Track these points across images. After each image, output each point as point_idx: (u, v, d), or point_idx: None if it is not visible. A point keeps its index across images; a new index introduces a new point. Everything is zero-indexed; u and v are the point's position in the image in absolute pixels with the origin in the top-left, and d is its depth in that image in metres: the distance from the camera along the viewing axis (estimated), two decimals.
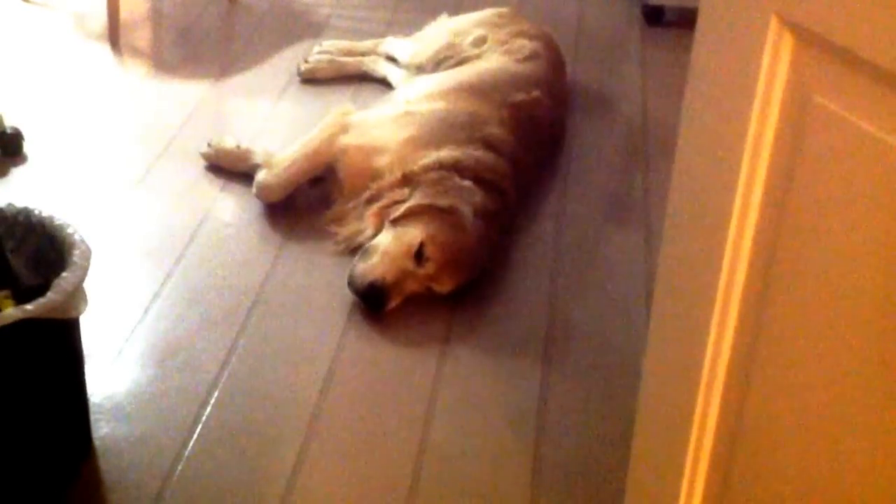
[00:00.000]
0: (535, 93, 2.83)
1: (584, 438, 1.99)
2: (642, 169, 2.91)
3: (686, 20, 3.63)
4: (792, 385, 1.09)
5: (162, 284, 2.34)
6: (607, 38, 3.69)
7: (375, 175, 2.52)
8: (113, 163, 2.82)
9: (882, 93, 0.92)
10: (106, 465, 1.86)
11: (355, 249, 2.41)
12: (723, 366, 1.19)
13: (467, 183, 2.44)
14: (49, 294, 1.64)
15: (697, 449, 1.26)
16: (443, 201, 2.35)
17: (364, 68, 3.30)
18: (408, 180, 2.46)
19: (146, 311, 2.25)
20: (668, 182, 1.26)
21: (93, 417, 1.92)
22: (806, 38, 1.00)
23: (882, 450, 0.99)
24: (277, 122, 3.04)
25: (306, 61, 3.29)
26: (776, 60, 1.03)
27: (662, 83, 3.35)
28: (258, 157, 2.67)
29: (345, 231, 2.48)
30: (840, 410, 1.03)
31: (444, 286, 2.32)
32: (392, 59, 3.29)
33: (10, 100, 2.97)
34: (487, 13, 3.23)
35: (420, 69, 3.12)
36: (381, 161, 2.54)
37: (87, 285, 1.73)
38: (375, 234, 2.39)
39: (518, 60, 2.95)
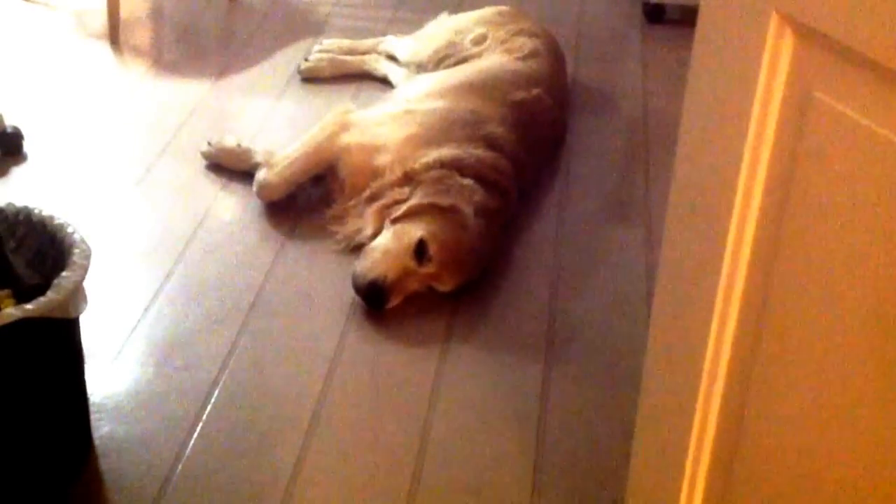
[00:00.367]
0: (536, 91, 2.83)
1: (586, 438, 1.98)
2: (643, 167, 2.90)
3: (687, 18, 3.64)
4: (793, 384, 1.09)
5: (162, 284, 2.33)
6: (608, 36, 3.69)
7: (376, 174, 2.52)
8: (113, 162, 2.82)
9: (882, 89, 0.92)
10: (106, 464, 1.86)
11: (356, 248, 2.41)
12: (724, 365, 1.19)
13: (468, 181, 2.43)
14: (49, 293, 1.64)
15: (698, 448, 1.25)
16: (444, 200, 2.35)
17: (365, 67, 3.30)
18: (409, 179, 2.46)
19: (146, 311, 2.25)
20: (668, 180, 1.26)
21: (93, 417, 1.92)
22: (806, 34, 1.00)
23: (883, 449, 0.99)
24: (278, 120, 3.04)
25: (307, 60, 3.29)
26: (777, 57, 1.03)
27: (663, 81, 3.34)
28: (259, 156, 2.67)
29: (345, 230, 2.48)
30: (841, 409, 1.03)
31: (445, 285, 2.32)
32: (393, 58, 3.28)
33: (10, 99, 2.97)
34: (488, 11, 3.23)
35: (421, 68, 3.12)
36: (382, 160, 2.54)
37: (88, 284, 1.72)
38: (376, 233, 2.39)
39: (519, 58, 2.95)
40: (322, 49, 3.34)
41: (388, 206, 2.42)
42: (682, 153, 1.22)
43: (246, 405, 2.01)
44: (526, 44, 3.00)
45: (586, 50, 3.55)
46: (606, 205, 2.76)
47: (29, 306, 1.60)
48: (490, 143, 2.57)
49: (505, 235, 2.52)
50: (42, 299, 1.62)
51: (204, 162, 2.77)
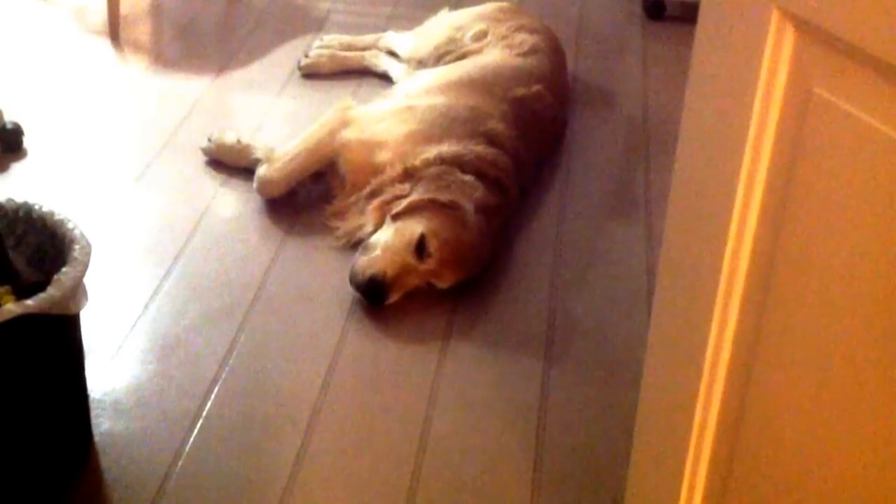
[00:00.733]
0: (536, 87, 2.83)
1: (586, 435, 1.98)
2: (643, 163, 2.90)
3: (687, 14, 3.64)
4: (793, 382, 1.09)
5: (162, 280, 2.33)
6: (608, 33, 3.68)
7: (376, 170, 2.52)
8: (113, 158, 2.82)
9: (883, 85, 0.92)
10: (106, 460, 1.86)
11: (356, 244, 2.41)
12: (724, 363, 1.19)
13: (468, 178, 2.43)
14: (49, 289, 1.64)
15: (698, 447, 1.25)
16: (444, 196, 2.35)
17: (365, 63, 3.30)
18: (409, 175, 2.45)
19: (146, 307, 2.25)
20: (669, 176, 1.26)
21: (93, 413, 1.92)
22: (807, 30, 1.00)
23: (884, 449, 0.99)
24: (278, 116, 3.04)
25: (307, 56, 3.29)
26: (778, 53, 1.03)
27: (663, 78, 3.34)
28: (259, 152, 2.66)
29: (346, 226, 2.48)
30: (842, 409, 1.03)
31: (444, 281, 2.32)
32: (393, 54, 3.28)
33: (10, 95, 2.97)
34: (488, 7, 3.23)
35: (421, 64, 3.11)
36: (382, 156, 2.53)
37: (88, 281, 1.72)
38: (376, 229, 2.39)
39: (519, 55, 2.94)
40: (322, 45, 3.34)
41: (389, 203, 2.42)
42: (683, 150, 1.22)
43: (246, 401, 2.01)
44: (526, 40, 2.99)
45: (586, 46, 3.55)
46: (606, 201, 2.76)
47: (29, 302, 1.60)
48: (490, 139, 2.57)
49: (505, 232, 2.52)
50: (42, 295, 1.62)
51: (204, 158, 2.77)
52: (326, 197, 2.60)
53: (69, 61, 3.29)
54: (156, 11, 3.72)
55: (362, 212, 2.47)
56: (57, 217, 1.82)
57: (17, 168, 2.73)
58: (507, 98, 2.73)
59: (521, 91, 2.78)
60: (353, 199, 2.52)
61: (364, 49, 3.33)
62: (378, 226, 2.40)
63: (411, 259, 2.28)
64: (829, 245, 1.00)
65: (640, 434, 1.42)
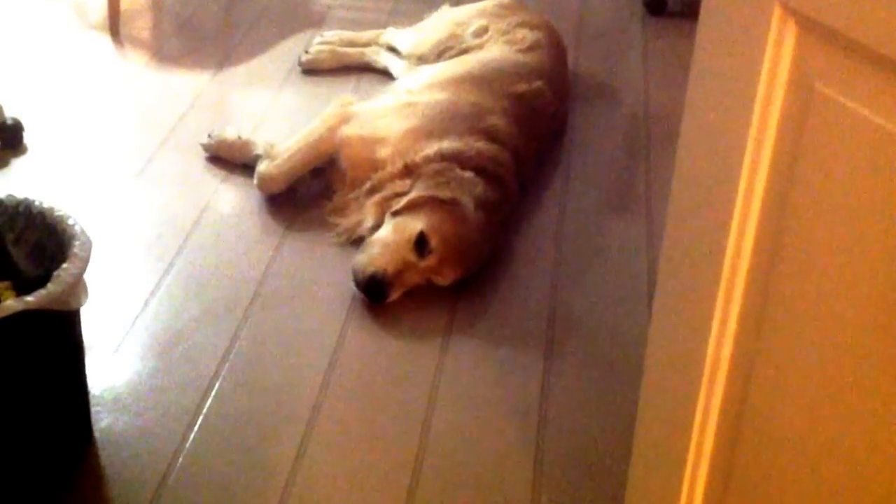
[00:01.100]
0: (537, 83, 2.82)
1: (587, 430, 1.98)
2: (644, 159, 2.90)
3: (688, 10, 3.63)
4: (795, 379, 1.09)
5: (162, 276, 2.33)
6: (609, 28, 3.68)
7: (377, 166, 2.52)
8: (113, 154, 2.81)
9: (884, 81, 0.92)
10: (106, 457, 1.85)
11: (357, 241, 2.41)
12: (725, 359, 1.18)
13: (469, 174, 2.43)
14: (49, 285, 1.63)
15: (700, 443, 1.25)
16: (444, 193, 2.35)
17: (365, 59, 3.29)
18: (409, 171, 2.45)
19: (147, 303, 2.25)
20: (669, 173, 1.26)
21: (93, 409, 1.92)
22: (809, 26, 1.00)
23: (885, 449, 0.99)
24: (278, 112, 3.03)
25: (307, 52, 3.29)
26: (779, 49, 1.03)
27: (665, 73, 3.34)
28: (259, 148, 2.66)
29: (346, 222, 2.48)
30: (843, 407, 1.03)
31: (445, 278, 2.32)
32: (393, 50, 3.28)
33: (10, 91, 2.97)
34: (489, 3, 3.22)
35: (421, 60, 3.11)
36: (383, 152, 2.53)
37: (88, 277, 1.72)
38: (376, 225, 2.39)
39: (520, 51, 2.94)
40: (323, 41, 3.33)
41: (389, 199, 2.41)
42: (685, 146, 1.21)
43: (246, 398, 2.01)
44: (527, 36, 2.99)
45: (587, 42, 3.54)
46: (607, 198, 2.75)
47: (29, 298, 1.60)
48: (491, 135, 2.57)
49: (505, 228, 2.52)
50: (42, 291, 1.62)
51: (204, 154, 2.77)
52: (327, 193, 2.60)
53: (69, 57, 3.29)
54: (156, 7, 3.71)
55: (362, 208, 2.47)
56: (57, 213, 1.82)
57: (17, 164, 2.73)
58: (507, 94, 2.73)
59: (521, 87, 2.77)
60: (353, 195, 2.52)
61: (365, 45, 3.33)
62: (378, 222, 2.40)
63: (411, 256, 2.28)
64: (832, 241, 1.00)
65: (640, 431, 1.42)
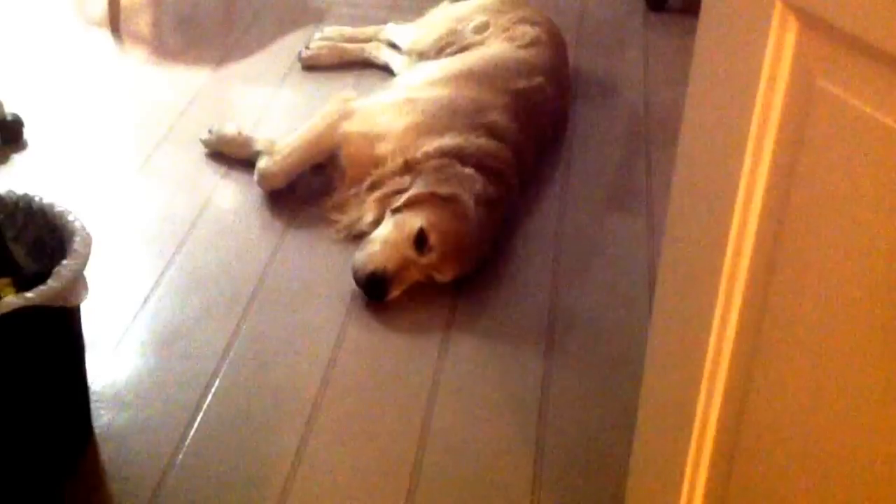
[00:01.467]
0: (538, 79, 2.82)
1: (586, 427, 1.98)
2: (644, 156, 2.90)
3: (688, 6, 3.63)
4: (797, 376, 1.09)
5: (163, 272, 2.33)
6: (610, 24, 3.67)
7: (377, 162, 2.51)
8: (113, 150, 2.81)
9: (886, 77, 0.92)
10: (106, 453, 1.85)
11: (357, 237, 2.41)
12: (726, 357, 1.18)
13: (469, 170, 2.43)
14: (50, 282, 1.63)
15: (700, 441, 1.25)
16: (444, 189, 2.35)
17: (366, 55, 3.29)
18: (409, 167, 2.45)
19: (147, 299, 2.25)
20: (670, 169, 1.26)
21: (93, 405, 1.92)
22: (810, 22, 1.00)
23: (885, 447, 0.98)
24: (278, 108, 3.03)
25: (307, 48, 3.28)
26: (780, 45, 1.03)
27: (665, 69, 3.34)
28: (259, 145, 2.66)
29: (346, 218, 2.48)
30: (845, 404, 1.03)
31: (445, 275, 2.32)
32: (394, 46, 3.27)
33: (10, 87, 2.96)
34: None
35: (422, 56, 3.10)
36: (383, 148, 2.53)
37: (88, 273, 1.72)
38: (377, 221, 2.39)
39: (520, 47, 2.94)
40: (323, 37, 3.33)
41: (389, 196, 2.41)
42: (686, 142, 1.21)
43: (246, 394, 2.01)
44: (528, 32, 2.98)
45: (588, 38, 3.54)
46: (608, 194, 2.75)
47: (29, 294, 1.60)
48: (491, 131, 2.57)
49: (506, 225, 2.51)
50: (42, 288, 1.62)
51: (204, 150, 2.77)
52: (327, 189, 2.60)
53: (69, 53, 3.29)
54: (156, 3, 3.71)
55: (362, 204, 2.46)
56: (57, 209, 1.81)
57: (17, 160, 2.73)
58: (508, 90, 2.72)
59: (522, 83, 2.77)
60: (353, 191, 2.52)
61: (365, 41, 3.32)
62: (378, 218, 2.39)
63: (411, 253, 2.27)
64: (833, 238, 1.00)
65: (641, 429, 1.42)
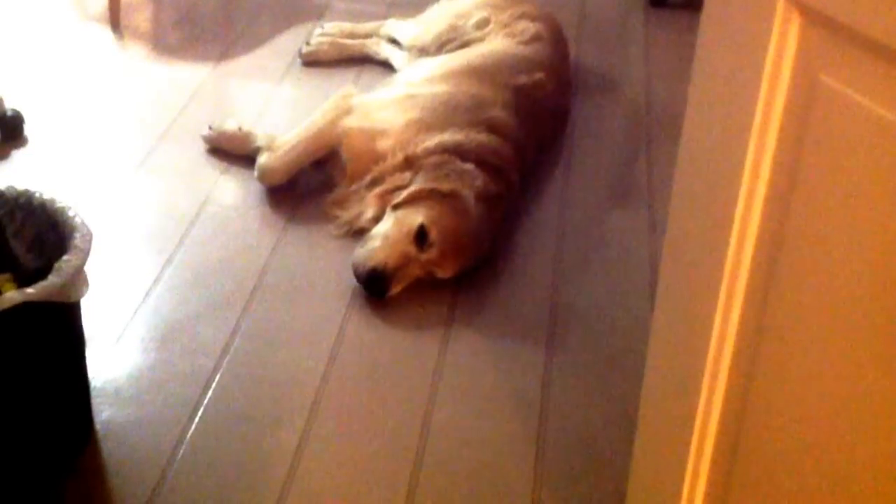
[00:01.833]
0: (539, 75, 2.82)
1: (588, 423, 1.98)
2: (646, 152, 2.90)
3: (689, 1, 3.62)
4: (798, 373, 1.09)
5: (163, 268, 2.33)
6: (611, 20, 3.67)
7: (378, 158, 2.51)
8: (114, 145, 2.81)
9: (889, 72, 0.91)
10: (107, 449, 1.85)
11: (357, 233, 2.40)
12: (728, 352, 1.18)
13: (469, 166, 2.42)
14: (50, 277, 1.63)
15: (702, 436, 1.25)
16: (444, 186, 2.34)
17: (366, 51, 3.28)
18: (410, 163, 2.45)
19: (147, 295, 2.24)
20: (671, 165, 1.25)
21: (94, 401, 1.92)
22: (813, 17, 0.99)
23: (886, 445, 0.98)
24: (279, 104, 3.03)
25: (308, 44, 3.28)
26: (784, 40, 1.02)
27: (666, 65, 3.33)
28: (260, 140, 2.66)
29: (346, 214, 2.47)
30: (846, 403, 1.02)
31: (446, 271, 2.31)
32: (394, 42, 3.27)
33: (10, 82, 2.96)
34: None
35: (423, 52, 3.10)
36: (384, 144, 2.53)
37: (89, 268, 1.72)
38: (377, 218, 2.39)
39: (521, 43, 2.93)
40: (323, 33, 3.32)
41: (389, 192, 2.41)
42: (688, 138, 1.21)
43: (247, 390, 2.01)
44: (528, 28, 2.98)
45: (589, 34, 3.53)
46: (609, 190, 2.75)
47: (30, 290, 1.60)
48: (492, 127, 2.56)
49: (506, 221, 2.51)
50: (43, 283, 1.62)
51: (205, 146, 2.77)
52: (327, 185, 2.59)
53: (70, 49, 3.28)
54: None
55: (363, 200, 2.46)
56: (58, 205, 1.81)
57: (17, 156, 2.72)
58: (508, 86, 2.72)
59: (522, 79, 2.77)
60: (353, 187, 2.52)
61: (365, 37, 3.32)
62: (379, 214, 2.39)
63: (412, 249, 2.27)
64: (836, 233, 1.00)
65: (642, 425, 1.42)
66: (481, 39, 3.00)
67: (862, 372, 1.00)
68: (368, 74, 3.18)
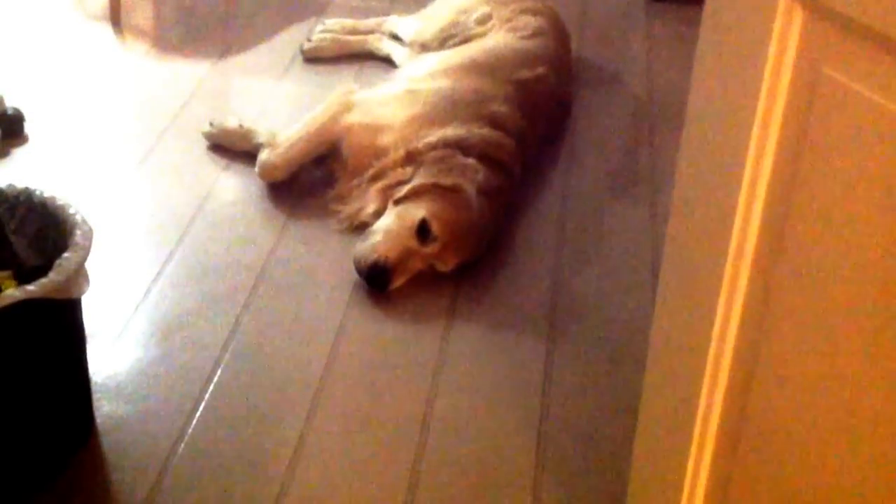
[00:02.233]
0: (540, 69, 2.82)
1: (589, 413, 1.98)
2: (648, 144, 2.89)
3: None
4: (799, 366, 1.08)
5: (164, 264, 2.33)
6: (612, 13, 3.67)
7: (379, 153, 2.51)
8: (115, 143, 2.81)
9: (891, 64, 0.91)
10: (108, 444, 1.85)
11: (359, 228, 2.40)
12: (729, 347, 1.18)
13: (471, 160, 2.42)
14: (51, 274, 1.63)
15: (703, 430, 1.25)
16: (446, 180, 2.34)
17: (368, 47, 3.28)
18: (412, 158, 2.44)
19: (148, 291, 2.24)
20: (673, 157, 1.25)
21: (95, 397, 1.92)
22: (816, 9, 0.99)
23: (889, 445, 0.98)
24: (280, 101, 3.03)
25: (309, 40, 3.28)
26: (786, 32, 1.02)
27: (668, 58, 3.33)
28: (261, 137, 2.65)
29: (348, 209, 2.47)
30: (848, 398, 1.02)
31: (447, 264, 2.31)
32: (396, 38, 3.27)
33: (11, 80, 2.96)
34: None
35: (424, 47, 3.10)
36: (385, 139, 2.52)
37: (89, 265, 1.72)
38: (379, 212, 2.38)
39: (523, 37, 2.93)
40: (325, 29, 3.32)
41: (391, 187, 2.41)
42: (690, 130, 1.21)
43: (248, 385, 2.01)
44: (530, 22, 2.98)
45: (591, 28, 3.53)
46: (611, 182, 2.75)
47: (30, 287, 1.60)
48: (494, 122, 2.56)
49: (508, 214, 2.51)
50: (43, 280, 1.62)
51: (206, 142, 2.76)
52: (329, 181, 2.59)
53: (70, 46, 3.28)
54: None
55: (364, 195, 2.46)
56: (58, 202, 1.81)
57: (18, 153, 2.72)
58: (510, 80, 2.72)
59: (524, 73, 2.77)
60: (355, 182, 2.51)
61: (367, 33, 3.32)
62: (381, 209, 2.39)
63: (414, 243, 2.27)
64: (838, 225, 1.00)
65: (643, 419, 1.42)
66: (483, 35, 3.00)
67: (863, 368, 1.00)
68: (370, 71, 3.18)
